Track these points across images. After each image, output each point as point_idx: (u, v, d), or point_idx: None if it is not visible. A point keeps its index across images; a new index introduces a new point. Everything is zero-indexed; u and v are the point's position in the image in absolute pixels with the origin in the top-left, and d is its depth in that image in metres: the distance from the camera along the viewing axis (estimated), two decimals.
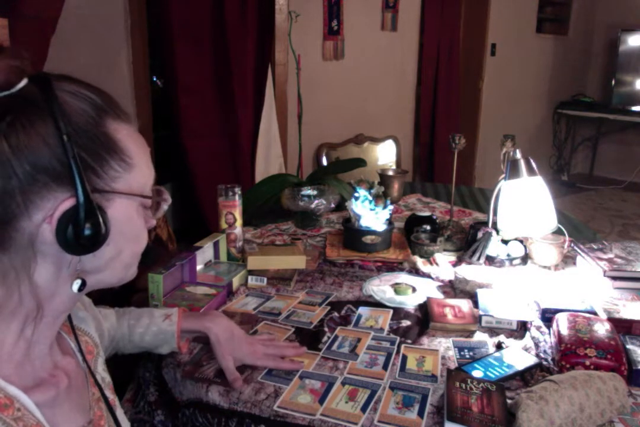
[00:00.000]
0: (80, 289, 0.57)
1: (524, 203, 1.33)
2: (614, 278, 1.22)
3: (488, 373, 0.91)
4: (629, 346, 0.95)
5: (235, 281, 1.28)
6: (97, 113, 0.55)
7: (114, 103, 0.59)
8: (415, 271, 1.39)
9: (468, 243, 1.45)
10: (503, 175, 1.37)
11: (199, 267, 1.29)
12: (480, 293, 1.19)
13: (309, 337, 1.06)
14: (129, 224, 0.59)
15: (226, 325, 0.96)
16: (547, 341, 1.02)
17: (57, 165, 0.52)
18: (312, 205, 1.68)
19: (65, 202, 0.53)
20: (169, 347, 0.96)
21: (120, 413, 0.71)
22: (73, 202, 0.53)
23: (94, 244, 0.55)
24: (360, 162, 2.04)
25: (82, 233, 0.53)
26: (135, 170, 0.58)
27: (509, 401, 0.81)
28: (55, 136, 0.51)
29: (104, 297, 0.96)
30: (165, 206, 0.65)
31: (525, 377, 0.92)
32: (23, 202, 0.52)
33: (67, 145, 0.51)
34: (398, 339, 1.05)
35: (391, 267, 1.41)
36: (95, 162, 0.54)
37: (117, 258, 0.59)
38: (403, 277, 1.34)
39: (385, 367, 0.95)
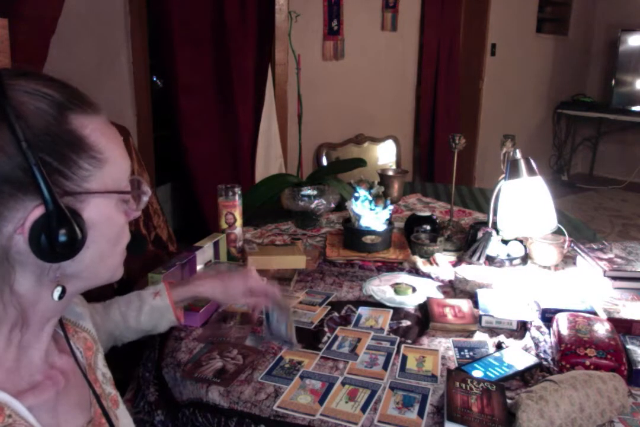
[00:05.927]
0: (61, 297, 0.55)
1: (524, 203, 1.33)
2: (614, 278, 1.22)
3: (488, 373, 0.91)
4: (629, 346, 0.95)
5: None
6: (58, 111, 0.52)
7: (78, 96, 0.55)
8: (415, 271, 1.39)
9: (468, 243, 1.45)
10: (503, 175, 1.37)
11: (199, 267, 1.29)
12: (480, 293, 1.19)
13: (309, 337, 1.06)
14: (108, 223, 0.56)
15: (212, 281, 0.99)
16: (547, 341, 1.02)
17: (20, 174, 0.49)
18: (312, 205, 1.68)
19: (35, 210, 0.50)
20: (168, 323, 0.97)
21: (122, 409, 0.70)
22: (43, 210, 0.50)
23: (71, 250, 0.52)
24: (360, 162, 2.04)
25: (56, 241, 0.50)
26: (108, 165, 0.55)
27: (509, 401, 0.81)
28: (13, 143, 0.48)
29: (104, 295, 0.96)
30: (145, 198, 0.62)
31: (525, 377, 0.92)
32: None
33: (27, 153, 0.48)
34: (398, 339, 1.05)
35: (391, 267, 1.41)
36: (62, 164, 0.51)
37: (99, 259, 0.57)
38: (403, 277, 1.34)
39: (385, 367, 0.95)
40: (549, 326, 1.06)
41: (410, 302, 1.21)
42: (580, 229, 1.77)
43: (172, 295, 0.97)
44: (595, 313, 1.07)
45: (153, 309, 0.95)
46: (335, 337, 1.06)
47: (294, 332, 1.00)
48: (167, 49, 2.61)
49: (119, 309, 0.95)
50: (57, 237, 0.50)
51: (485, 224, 1.47)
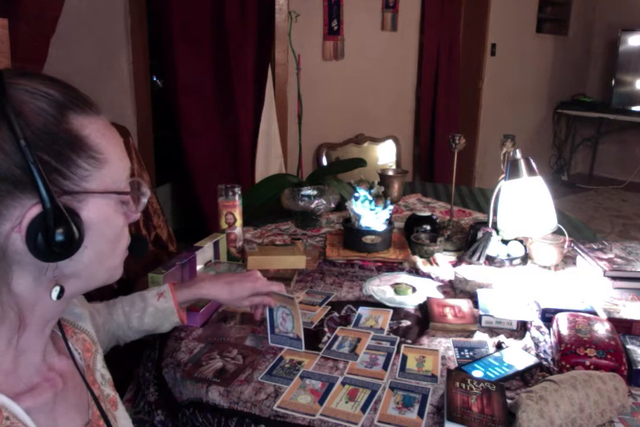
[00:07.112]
0: (59, 297, 0.55)
1: (524, 203, 1.33)
2: (614, 278, 1.22)
3: (488, 373, 0.91)
4: (629, 346, 0.95)
5: None
6: (59, 110, 0.52)
7: (79, 97, 0.55)
8: (415, 271, 1.39)
9: (468, 243, 1.45)
10: (503, 175, 1.37)
11: (199, 267, 1.29)
12: (480, 293, 1.19)
13: (309, 337, 1.05)
14: (107, 224, 0.56)
15: (217, 284, 0.99)
16: (547, 341, 1.02)
17: (18, 172, 0.49)
18: (312, 206, 1.68)
19: (33, 209, 0.50)
20: (170, 324, 0.97)
21: (121, 410, 0.70)
22: (41, 209, 0.50)
23: (68, 249, 0.52)
24: (360, 162, 2.04)
25: (53, 240, 0.50)
26: (108, 165, 0.55)
27: (509, 401, 0.81)
28: (11, 141, 0.48)
29: (104, 295, 0.96)
30: (144, 200, 0.62)
31: (525, 377, 0.92)
32: None
33: (25, 151, 0.48)
34: (398, 339, 1.05)
35: (391, 267, 1.41)
36: (61, 163, 0.51)
37: (98, 260, 0.57)
38: (403, 277, 1.34)
39: (385, 367, 0.95)
40: (549, 326, 1.06)
41: (410, 302, 1.21)
42: (580, 229, 1.77)
43: (176, 297, 0.97)
44: (595, 313, 1.07)
45: (157, 310, 0.95)
46: (335, 337, 1.06)
47: (301, 326, 0.99)
48: (167, 49, 2.61)
49: (123, 309, 0.95)
50: (54, 236, 0.50)
51: (485, 224, 1.47)
